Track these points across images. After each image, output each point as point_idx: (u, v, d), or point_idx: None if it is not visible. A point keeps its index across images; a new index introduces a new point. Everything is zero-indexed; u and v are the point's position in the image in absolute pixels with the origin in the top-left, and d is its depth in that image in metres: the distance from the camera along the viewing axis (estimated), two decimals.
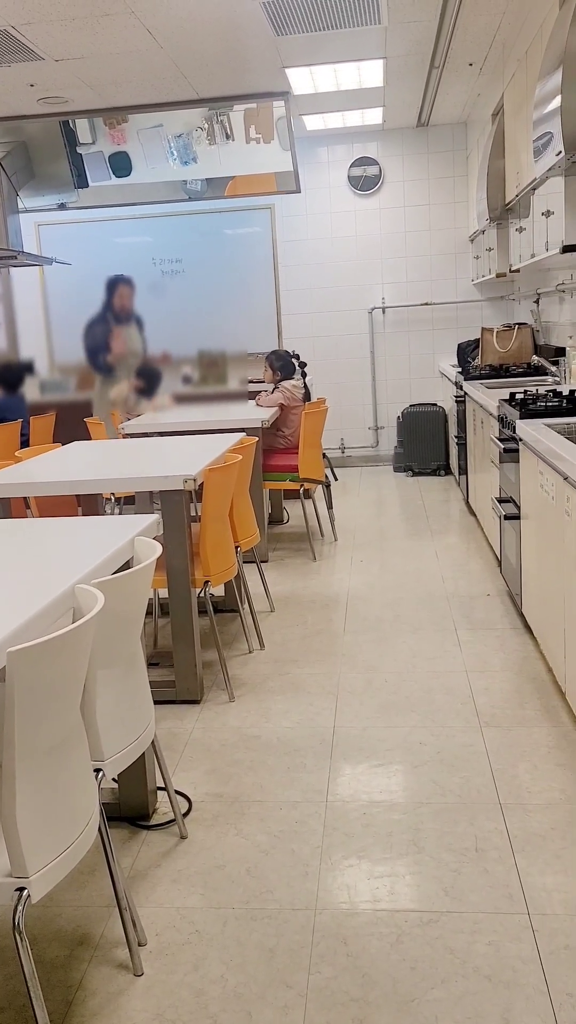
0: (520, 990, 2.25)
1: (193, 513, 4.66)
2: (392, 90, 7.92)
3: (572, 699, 3.53)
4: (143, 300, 9.52)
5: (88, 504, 4.89)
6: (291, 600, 5.50)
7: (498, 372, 7.15)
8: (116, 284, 7.71)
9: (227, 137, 8.16)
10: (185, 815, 3.19)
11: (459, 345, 8.39)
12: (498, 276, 7.49)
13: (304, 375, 7.16)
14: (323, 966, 2.38)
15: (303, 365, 7.17)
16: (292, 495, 8.32)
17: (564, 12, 4.35)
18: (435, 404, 9.56)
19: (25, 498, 4.88)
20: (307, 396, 7.10)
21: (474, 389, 6.32)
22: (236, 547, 4.58)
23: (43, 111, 7.93)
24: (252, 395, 7.27)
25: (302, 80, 7.42)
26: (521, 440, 4.32)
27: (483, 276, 8.50)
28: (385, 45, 6.64)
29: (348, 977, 2.33)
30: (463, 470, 7.63)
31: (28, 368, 9.11)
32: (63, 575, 2.42)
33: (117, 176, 8.49)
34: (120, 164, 8.41)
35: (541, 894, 2.60)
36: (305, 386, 7.09)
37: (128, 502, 7.40)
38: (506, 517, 4.79)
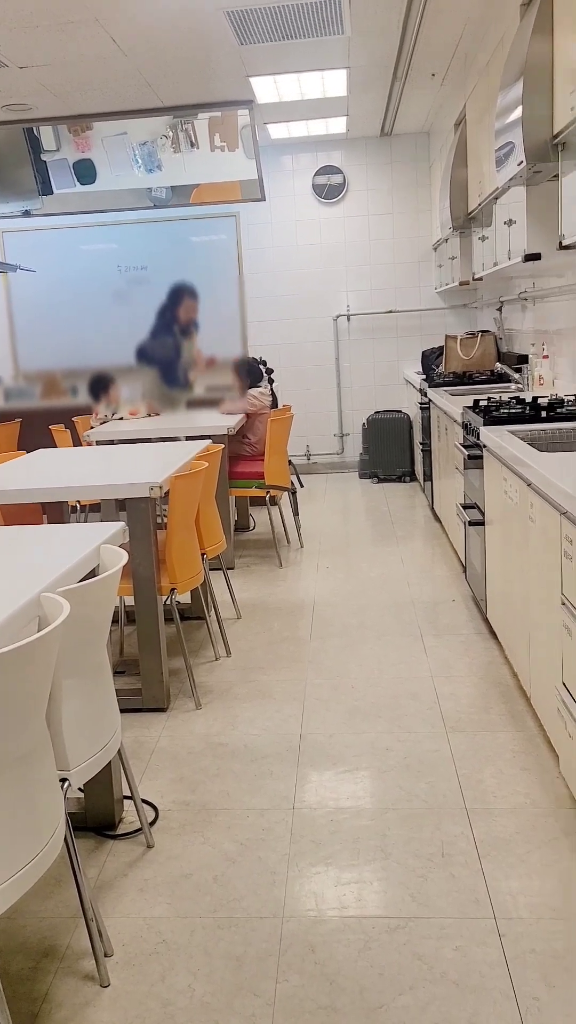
0: (487, 995, 2.26)
1: (159, 520, 4.65)
2: (356, 100, 7.96)
3: (536, 703, 3.55)
4: (107, 307, 9.51)
5: (53, 512, 4.88)
6: (257, 607, 5.50)
7: (462, 379, 7.19)
8: (182, 295, 7.55)
9: (192, 145, 8.16)
10: (152, 824, 3.18)
11: (423, 352, 8.43)
12: (461, 284, 7.53)
13: (271, 381, 7.16)
14: (291, 974, 2.38)
15: (270, 372, 7.18)
16: (258, 502, 8.32)
17: (524, 24, 4.39)
18: (400, 411, 9.60)
19: None
20: (274, 403, 7.10)
21: (438, 396, 6.36)
22: (202, 554, 4.57)
23: (7, 118, 7.90)
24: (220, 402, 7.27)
25: (266, 89, 7.44)
26: (485, 447, 4.35)
27: (446, 284, 8.54)
28: (348, 55, 6.67)
29: (315, 985, 2.33)
30: (428, 476, 7.66)
31: None
32: (28, 584, 2.42)
33: (82, 183, 8.47)
34: (85, 171, 8.39)
35: (507, 898, 2.62)
36: (272, 393, 7.09)
37: (94, 510, 7.38)
38: (470, 523, 4.82)
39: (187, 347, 7.58)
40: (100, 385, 7.32)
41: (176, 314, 7.45)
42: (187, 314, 7.53)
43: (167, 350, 7.47)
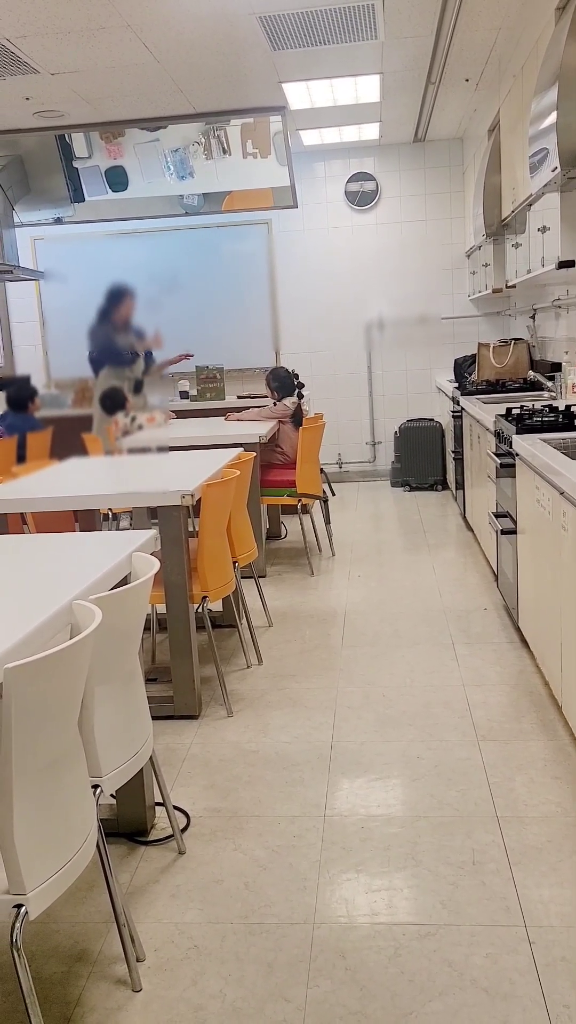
0: (517, 1002, 2.25)
1: (191, 528, 4.67)
2: (389, 105, 7.96)
3: (568, 712, 3.54)
4: (139, 315, 9.54)
5: (86, 520, 4.90)
6: (289, 615, 5.51)
7: (495, 387, 7.17)
8: (123, 296, 7.51)
9: (224, 152, 8.19)
10: (183, 830, 3.19)
11: (456, 360, 8.40)
12: (494, 291, 7.51)
13: (300, 397, 7.07)
14: (321, 980, 2.38)
15: (300, 387, 7.08)
16: (290, 510, 8.33)
17: (559, 28, 4.37)
18: (432, 419, 9.58)
19: (22, 514, 4.88)
20: (297, 420, 6.95)
21: (471, 404, 6.34)
22: (234, 562, 4.58)
23: (39, 125, 7.96)
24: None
25: (299, 95, 7.46)
26: (517, 455, 4.34)
27: (479, 291, 8.53)
28: (382, 60, 6.68)
29: (346, 991, 2.33)
30: (460, 485, 7.64)
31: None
32: (60, 591, 2.43)
33: (113, 190, 8.51)
34: (116, 178, 8.44)
35: (538, 906, 2.61)
36: (299, 408, 6.97)
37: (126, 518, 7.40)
38: (503, 532, 4.80)
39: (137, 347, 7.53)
40: (114, 401, 7.31)
41: (119, 318, 7.39)
42: (127, 312, 7.47)
43: (129, 368, 7.46)
